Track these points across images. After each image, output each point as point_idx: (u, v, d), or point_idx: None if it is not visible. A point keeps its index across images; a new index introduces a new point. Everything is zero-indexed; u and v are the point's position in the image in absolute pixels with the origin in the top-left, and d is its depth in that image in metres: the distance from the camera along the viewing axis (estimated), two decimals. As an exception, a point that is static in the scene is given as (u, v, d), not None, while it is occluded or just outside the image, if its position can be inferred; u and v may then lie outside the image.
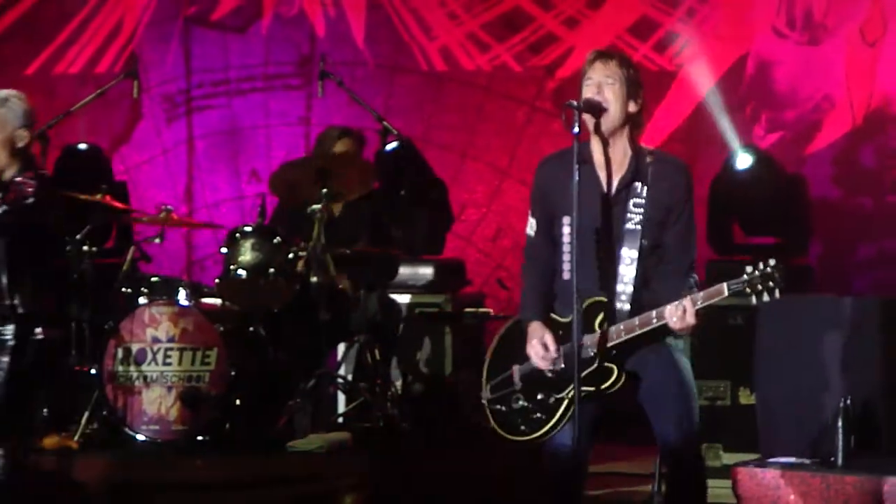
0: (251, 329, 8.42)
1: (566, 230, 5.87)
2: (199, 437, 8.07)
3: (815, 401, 7.40)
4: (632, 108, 5.88)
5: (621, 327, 5.75)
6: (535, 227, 6.03)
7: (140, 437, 8.08)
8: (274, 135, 10.62)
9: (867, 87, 9.87)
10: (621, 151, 5.89)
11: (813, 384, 7.46)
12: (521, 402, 5.95)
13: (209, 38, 10.65)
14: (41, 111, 10.01)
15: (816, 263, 9.40)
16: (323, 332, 8.18)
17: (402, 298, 9.10)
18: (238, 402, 8.12)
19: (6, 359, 6.50)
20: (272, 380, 8.32)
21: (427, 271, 9.50)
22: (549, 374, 5.85)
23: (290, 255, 8.31)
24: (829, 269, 9.55)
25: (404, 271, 9.21)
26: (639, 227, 5.80)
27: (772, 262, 5.59)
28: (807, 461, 7.09)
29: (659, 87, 10.23)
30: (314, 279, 8.22)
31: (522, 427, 5.94)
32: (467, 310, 9.28)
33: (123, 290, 8.55)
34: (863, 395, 7.24)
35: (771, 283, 5.55)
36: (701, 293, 5.64)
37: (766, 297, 5.58)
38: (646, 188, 5.82)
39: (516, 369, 5.98)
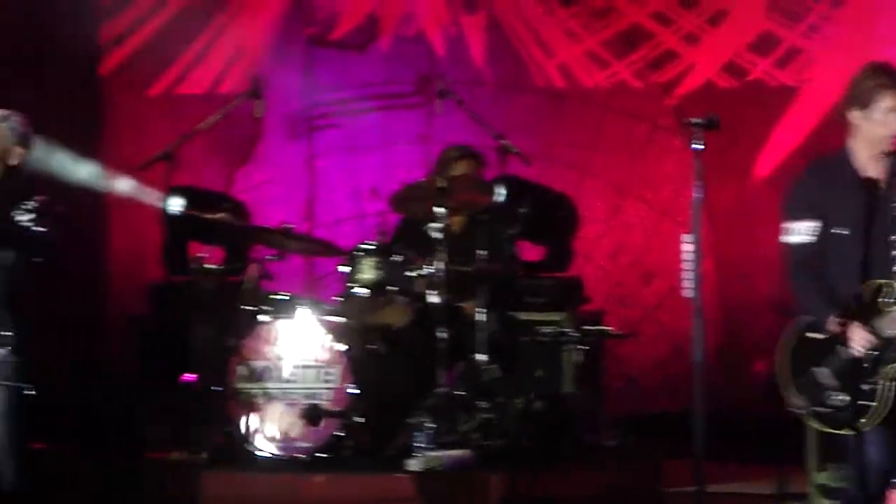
0: (371, 346, 8.46)
1: (838, 230, 6.10)
2: (320, 454, 8.11)
3: None
4: None
5: None
6: (804, 231, 6.15)
7: (262, 453, 8.15)
8: (393, 153, 10.67)
9: None
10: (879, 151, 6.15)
11: None
12: (840, 398, 6.06)
13: (329, 57, 10.72)
14: (166, 131, 10.23)
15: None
16: (443, 350, 8.19)
17: (522, 316, 9.08)
18: (358, 419, 8.16)
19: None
20: (392, 397, 8.35)
21: (547, 289, 9.49)
22: (863, 363, 6.02)
23: (411, 273, 8.35)
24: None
25: (524, 289, 9.21)
26: None
27: None
28: None
29: (781, 102, 10.13)
30: (434, 297, 8.25)
31: (852, 419, 6.06)
32: (586, 327, 9.25)
33: (245, 307, 8.64)
34: None
35: None
36: None
37: None
38: None
39: (824, 370, 6.09)
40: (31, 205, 6.70)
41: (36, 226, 6.63)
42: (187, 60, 10.73)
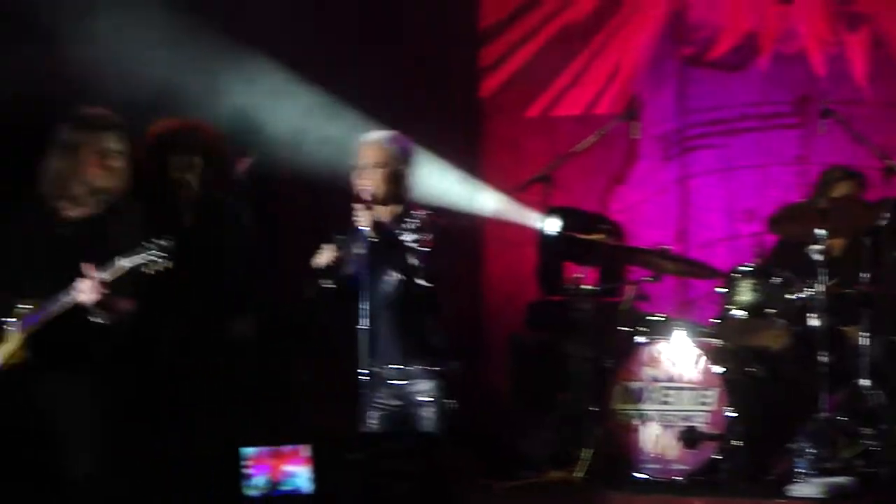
0: (750, 370, 8.36)
1: None
2: (698, 477, 8.07)
3: None
4: None
5: None
6: None
7: (639, 474, 8.16)
8: (770, 174, 10.51)
9: None
10: None
11: None
12: None
13: (705, 77, 10.65)
14: (542, 153, 10.37)
15: None
16: (823, 375, 8.02)
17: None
18: (736, 443, 8.07)
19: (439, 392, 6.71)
20: (771, 422, 8.23)
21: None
22: None
23: (790, 296, 8.22)
24: None
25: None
26: None
27: None
28: None
29: None
30: (815, 321, 8.09)
31: None
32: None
33: (622, 328, 8.67)
34: None
35: None
36: None
37: None
38: None
39: None
40: (413, 222, 6.82)
41: (420, 245, 6.75)
42: (563, 82, 10.83)
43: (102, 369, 6.53)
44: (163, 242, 6.31)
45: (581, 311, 8.82)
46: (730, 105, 10.67)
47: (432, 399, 6.62)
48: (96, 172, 6.61)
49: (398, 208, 6.85)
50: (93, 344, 6.52)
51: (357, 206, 6.68)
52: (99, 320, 6.39)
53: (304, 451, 5.60)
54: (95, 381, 6.51)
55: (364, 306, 6.63)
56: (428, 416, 6.62)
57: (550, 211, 9.08)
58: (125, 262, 6.32)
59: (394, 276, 6.75)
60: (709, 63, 10.63)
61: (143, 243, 6.32)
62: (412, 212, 6.85)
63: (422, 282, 6.70)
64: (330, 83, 9.21)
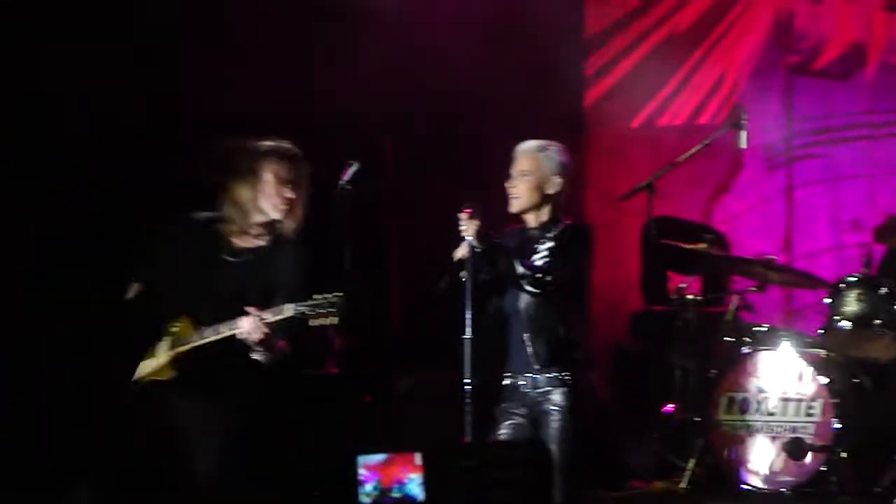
0: (856, 381, 8.30)
1: None
2: (804, 489, 8.02)
3: None
4: None
5: None
6: None
7: (745, 485, 8.13)
8: (877, 184, 10.42)
9: None
10: None
11: None
12: None
13: (811, 86, 10.58)
14: (646, 163, 10.34)
15: None
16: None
17: None
18: (843, 454, 8.01)
19: (569, 403, 6.67)
20: (878, 433, 8.16)
21: None
22: None
23: (898, 307, 8.17)
24: None
25: None
26: None
27: None
28: None
29: None
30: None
31: None
32: None
33: (726, 339, 8.64)
34: None
35: None
36: None
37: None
38: None
39: None
40: (556, 231, 6.80)
41: (552, 254, 6.70)
42: (667, 92, 10.82)
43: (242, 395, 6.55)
44: (334, 299, 6.23)
45: (685, 321, 8.80)
46: (835, 114, 10.59)
47: (560, 409, 6.63)
48: (275, 204, 6.53)
49: (543, 216, 6.86)
50: (244, 378, 6.47)
51: (462, 215, 6.70)
52: (256, 357, 6.39)
53: (416, 458, 5.64)
54: (232, 404, 6.46)
55: (469, 315, 6.65)
56: (555, 426, 6.63)
57: (653, 220, 9.05)
58: (292, 310, 6.26)
59: (513, 285, 6.76)
60: (814, 72, 10.56)
61: (314, 296, 6.23)
62: (558, 220, 6.86)
63: (534, 289, 6.69)
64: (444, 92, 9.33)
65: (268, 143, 6.56)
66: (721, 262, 9.06)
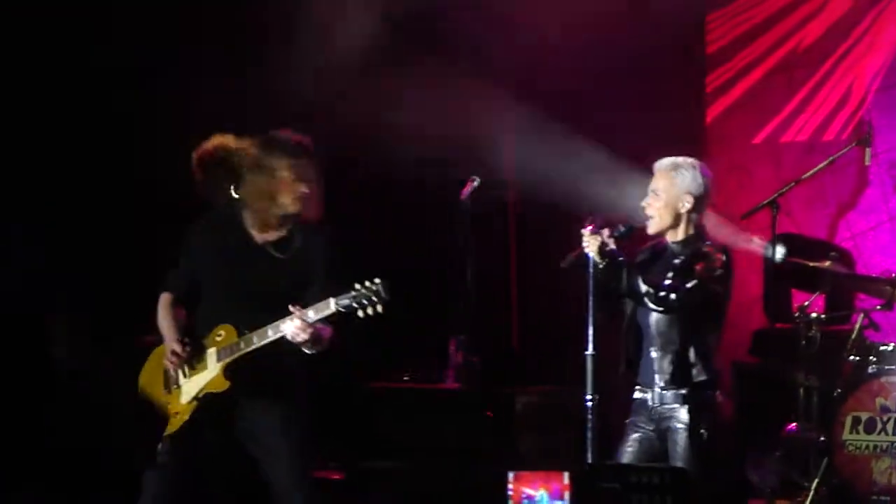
0: None
1: None
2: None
3: None
4: None
5: None
6: None
7: (869, 507, 8.04)
8: None
9: None
10: None
11: None
12: None
13: (938, 103, 10.46)
14: (768, 179, 10.26)
15: None
16: None
17: None
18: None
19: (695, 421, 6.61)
20: None
21: None
22: None
23: None
24: None
25: None
26: None
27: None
28: None
29: None
30: None
31: None
32: None
33: (851, 358, 8.53)
34: None
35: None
36: None
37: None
38: None
39: None
40: (690, 249, 6.77)
41: (681, 273, 6.66)
42: (790, 108, 10.73)
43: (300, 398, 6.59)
44: (374, 286, 6.21)
45: (808, 340, 8.70)
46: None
47: (685, 427, 6.60)
48: (289, 198, 6.57)
49: (679, 234, 6.84)
50: (302, 372, 6.54)
51: (584, 231, 6.69)
52: (306, 350, 6.40)
53: (564, 477, 5.67)
54: (292, 410, 6.54)
55: (590, 331, 6.63)
56: (680, 444, 6.60)
57: (777, 238, 8.97)
58: (334, 306, 6.27)
59: (637, 301, 6.72)
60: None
61: (355, 285, 6.23)
62: (697, 239, 6.82)
63: (656, 307, 6.65)
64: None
65: (281, 137, 6.62)
66: (846, 280, 8.95)
